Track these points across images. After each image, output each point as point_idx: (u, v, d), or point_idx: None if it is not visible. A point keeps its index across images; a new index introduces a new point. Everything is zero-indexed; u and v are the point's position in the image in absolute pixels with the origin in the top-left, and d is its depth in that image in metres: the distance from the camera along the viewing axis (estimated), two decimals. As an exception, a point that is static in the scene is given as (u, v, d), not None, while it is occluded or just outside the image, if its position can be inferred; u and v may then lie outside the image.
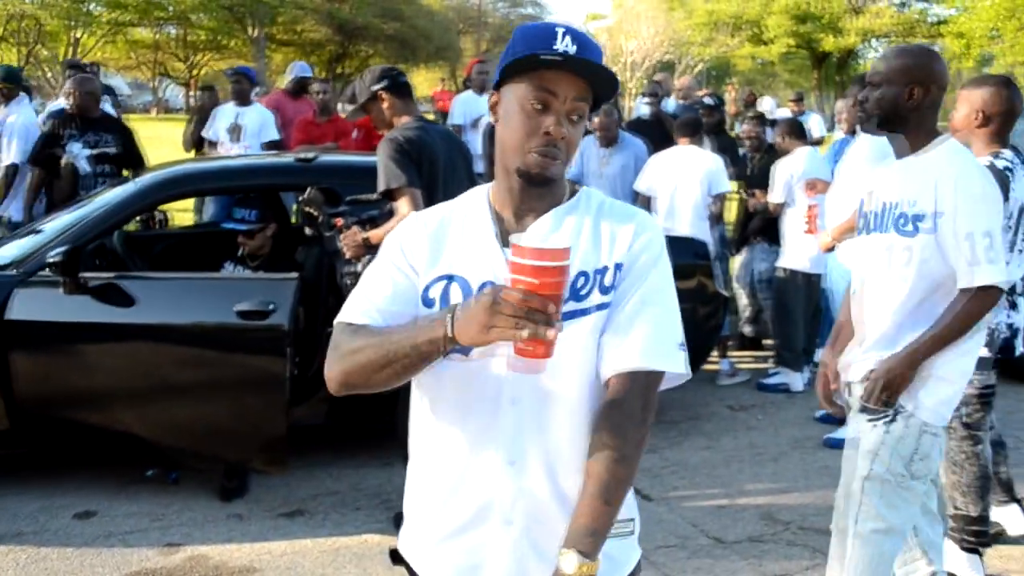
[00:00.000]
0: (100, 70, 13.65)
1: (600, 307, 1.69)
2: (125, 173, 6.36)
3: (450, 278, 1.72)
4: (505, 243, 1.64)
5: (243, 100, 8.32)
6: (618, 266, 1.71)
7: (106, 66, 33.77)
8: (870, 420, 2.86)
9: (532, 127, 1.65)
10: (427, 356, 1.60)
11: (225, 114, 8.26)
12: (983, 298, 2.73)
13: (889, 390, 2.79)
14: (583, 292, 1.69)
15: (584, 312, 1.68)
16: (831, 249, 5.51)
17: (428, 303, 1.72)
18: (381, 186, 3.86)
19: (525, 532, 1.70)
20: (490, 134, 7.72)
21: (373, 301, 1.72)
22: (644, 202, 6.68)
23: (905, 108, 2.84)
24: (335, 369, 1.69)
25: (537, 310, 1.45)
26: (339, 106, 7.52)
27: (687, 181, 6.49)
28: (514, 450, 1.68)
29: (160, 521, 4.31)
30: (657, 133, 7.80)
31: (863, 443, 2.89)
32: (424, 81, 44.84)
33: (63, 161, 6.38)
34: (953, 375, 2.84)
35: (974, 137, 3.72)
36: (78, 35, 39.06)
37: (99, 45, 40.66)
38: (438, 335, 1.56)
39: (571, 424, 1.68)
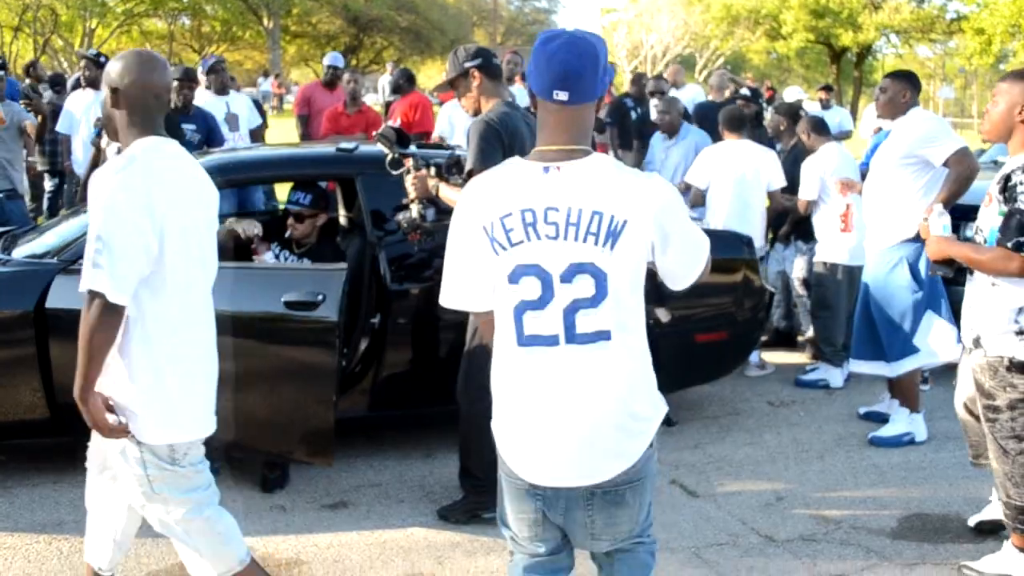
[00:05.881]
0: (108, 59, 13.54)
1: None
2: None
3: None
4: None
5: (225, 89, 8.16)
6: None
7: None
8: None
9: None
10: None
11: (213, 106, 7.91)
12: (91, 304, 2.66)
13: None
14: None
15: None
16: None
17: None
18: (468, 165, 3.91)
19: None
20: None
21: None
22: (698, 195, 6.61)
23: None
24: None
25: None
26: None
27: (744, 177, 6.41)
28: None
29: (203, 512, 4.25)
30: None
31: None
32: (437, 73, 44.76)
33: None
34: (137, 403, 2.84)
35: (1017, 133, 3.59)
36: (92, 25, 39.07)
37: (114, 35, 40.69)
38: None
39: None
